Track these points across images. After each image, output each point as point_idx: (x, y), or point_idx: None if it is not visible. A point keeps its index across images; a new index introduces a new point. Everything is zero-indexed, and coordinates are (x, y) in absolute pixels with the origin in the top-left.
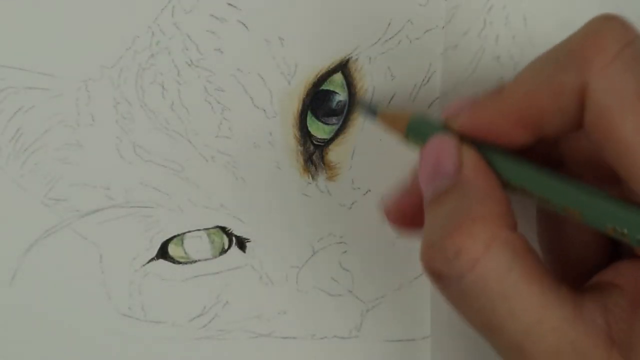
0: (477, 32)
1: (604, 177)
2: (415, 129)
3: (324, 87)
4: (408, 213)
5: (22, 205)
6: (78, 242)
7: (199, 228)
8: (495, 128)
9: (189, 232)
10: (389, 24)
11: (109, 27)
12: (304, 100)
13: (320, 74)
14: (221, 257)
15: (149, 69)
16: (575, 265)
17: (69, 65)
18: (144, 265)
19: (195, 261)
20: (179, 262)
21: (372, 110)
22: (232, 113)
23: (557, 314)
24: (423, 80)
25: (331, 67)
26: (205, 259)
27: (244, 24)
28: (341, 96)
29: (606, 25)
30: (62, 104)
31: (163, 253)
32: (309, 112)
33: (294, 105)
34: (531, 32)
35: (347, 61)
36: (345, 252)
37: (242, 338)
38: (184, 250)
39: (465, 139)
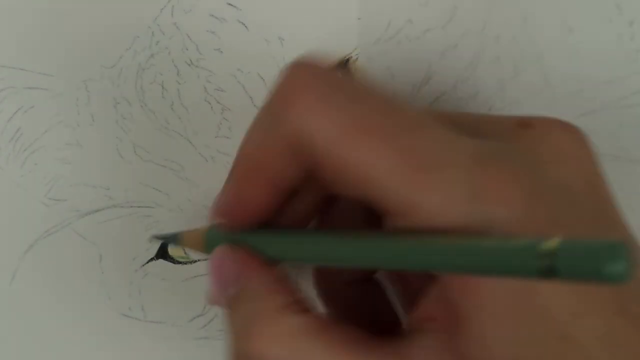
0: (477, 32)
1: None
2: (212, 243)
3: None
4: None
5: (22, 205)
6: (78, 242)
7: (198, 228)
8: (244, 200)
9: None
10: (389, 24)
11: (109, 27)
12: None
13: None
14: None
15: (149, 69)
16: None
17: (69, 65)
18: (143, 265)
19: (195, 261)
20: (179, 262)
21: (171, 239)
22: (232, 113)
23: None
24: (423, 80)
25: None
26: (205, 259)
27: (244, 24)
28: None
29: (296, 72)
30: (62, 104)
31: (163, 253)
32: None
33: None
34: (531, 32)
35: (347, 61)
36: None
37: None
38: (184, 250)
39: (240, 238)
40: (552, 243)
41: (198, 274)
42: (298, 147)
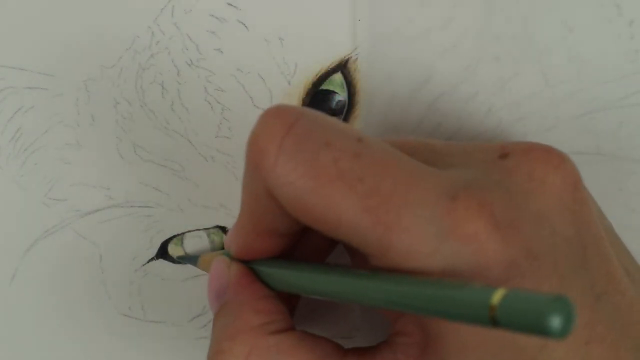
0: (477, 32)
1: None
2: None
3: (324, 87)
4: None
5: (22, 205)
6: (78, 242)
7: (198, 228)
8: (252, 246)
9: (189, 231)
10: (389, 24)
11: (109, 27)
12: (303, 100)
13: (320, 74)
14: None
15: (149, 69)
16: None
17: (69, 65)
18: (143, 265)
19: None
20: (179, 262)
21: (192, 260)
22: (232, 113)
23: None
24: (423, 80)
25: (331, 67)
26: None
27: (244, 24)
28: (341, 96)
29: (262, 125)
30: (62, 104)
31: (163, 253)
32: None
33: (294, 105)
34: (531, 32)
35: (347, 61)
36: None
37: None
38: (184, 249)
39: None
40: (497, 296)
41: (198, 274)
42: (275, 200)
